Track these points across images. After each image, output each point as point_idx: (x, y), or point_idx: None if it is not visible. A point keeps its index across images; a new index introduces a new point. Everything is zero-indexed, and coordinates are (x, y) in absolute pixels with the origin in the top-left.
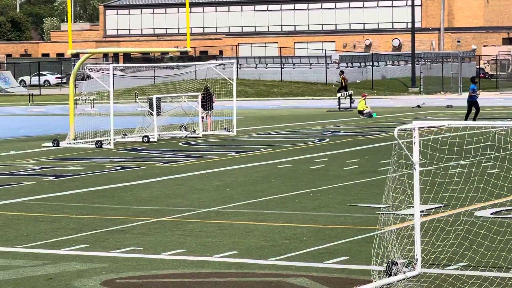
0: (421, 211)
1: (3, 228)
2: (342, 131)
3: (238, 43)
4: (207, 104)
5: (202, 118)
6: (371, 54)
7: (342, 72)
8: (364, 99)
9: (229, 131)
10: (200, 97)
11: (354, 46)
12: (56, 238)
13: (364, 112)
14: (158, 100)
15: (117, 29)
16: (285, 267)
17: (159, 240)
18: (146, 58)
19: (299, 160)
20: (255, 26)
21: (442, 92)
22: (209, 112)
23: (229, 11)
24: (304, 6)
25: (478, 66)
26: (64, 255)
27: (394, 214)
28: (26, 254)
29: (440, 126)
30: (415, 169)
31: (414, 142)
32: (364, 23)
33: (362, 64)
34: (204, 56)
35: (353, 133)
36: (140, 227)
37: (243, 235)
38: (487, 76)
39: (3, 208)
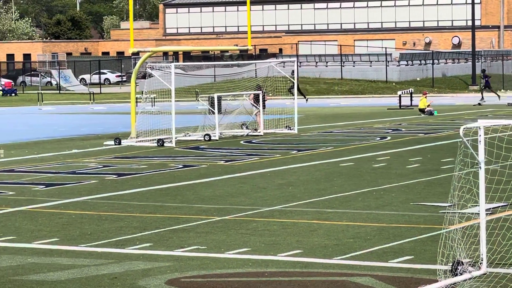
0: (486, 210)
1: (67, 227)
2: (403, 129)
3: (298, 41)
4: (258, 102)
5: (255, 116)
6: (431, 51)
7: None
8: (425, 97)
9: (290, 129)
10: (252, 95)
11: (414, 44)
12: (120, 237)
13: (425, 110)
14: (219, 98)
15: (177, 28)
16: (350, 266)
17: (223, 239)
18: (205, 56)
19: (361, 158)
20: (314, 24)
21: (502, 90)
22: (263, 110)
23: (288, 9)
24: (364, 4)
25: None
26: (128, 254)
27: (459, 213)
28: (90, 253)
29: (505, 125)
30: (480, 168)
31: (480, 141)
32: (423, 21)
33: (422, 62)
34: (263, 54)
35: (415, 131)
36: (203, 225)
37: (307, 234)
38: None
39: (67, 207)
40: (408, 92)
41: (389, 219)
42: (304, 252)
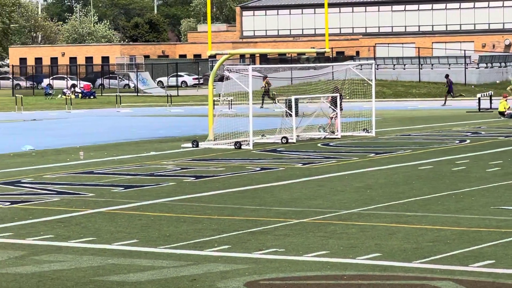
0: None
1: (146, 229)
2: (483, 133)
3: (375, 44)
4: (336, 105)
5: (331, 118)
6: (511, 54)
7: (265, 77)
8: (505, 100)
9: (367, 132)
10: (329, 98)
11: (493, 46)
12: (199, 239)
13: (505, 113)
14: (297, 101)
15: (254, 30)
16: (430, 270)
17: (301, 242)
18: (282, 59)
19: (440, 161)
20: (392, 27)
21: None
22: (336, 112)
23: (365, 11)
24: (442, 6)
25: None
26: (207, 256)
27: None
28: (169, 255)
29: None
30: None
31: None
32: (503, 23)
33: (502, 64)
34: (340, 56)
35: (495, 135)
36: (281, 228)
37: (386, 237)
38: None
39: (145, 209)
40: (487, 95)
41: (469, 222)
42: (383, 256)
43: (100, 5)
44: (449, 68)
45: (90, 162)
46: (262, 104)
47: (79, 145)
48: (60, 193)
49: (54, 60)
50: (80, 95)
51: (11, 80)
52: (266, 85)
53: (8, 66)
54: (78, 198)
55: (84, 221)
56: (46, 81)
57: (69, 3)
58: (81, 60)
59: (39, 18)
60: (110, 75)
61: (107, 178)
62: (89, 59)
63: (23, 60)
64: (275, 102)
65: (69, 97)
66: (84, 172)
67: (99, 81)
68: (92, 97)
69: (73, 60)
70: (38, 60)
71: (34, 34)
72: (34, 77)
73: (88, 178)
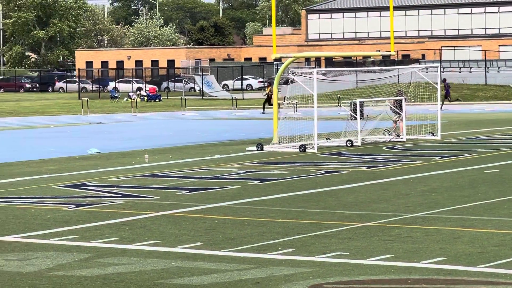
0: None
1: (210, 232)
2: None
3: (441, 47)
4: (400, 108)
5: (395, 122)
6: None
7: (269, 84)
8: None
9: (433, 135)
10: (392, 101)
11: None
12: (262, 242)
13: None
14: (362, 104)
15: (319, 33)
16: (495, 274)
17: (365, 245)
18: (348, 62)
19: (507, 165)
20: (458, 29)
21: None
22: (401, 116)
23: (431, 14)
24: (510, 8)
25: None
26: (271, 259)
27: None
28: (233, 258)
29: None
30: None
31: None
32: None
33: None
34: (406, 59)
35: None
36: (345, 232)
37: (451, 241)
38: None
39: (210, 212)
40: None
41: None
42: (447, 260)
43: (165, 8)
44: None
45: (155, 165)
46: (264, 110)
47: (144, 148)
48: (125, 196)
49: (120, 63)
50: (145, 98)
51: (77, 83)
52: (269, 92)
53: (75, 70)
54: (143, 201)
55: (148, 224)
56: (112, 84)
57: (135, 7)
58: (146, 64)
59: (106, 22)
60: (176, 78)
61: (171, 181)
62: (154, 63)
63: (89, 64)
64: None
65: (135, 100)
66: (149, 175)
67: (164, 84)
68: (157, 100)
69: (139, 63)
70: (104, 64)
71: (101, 38)
72: (100, 80)
73: (153, 181)
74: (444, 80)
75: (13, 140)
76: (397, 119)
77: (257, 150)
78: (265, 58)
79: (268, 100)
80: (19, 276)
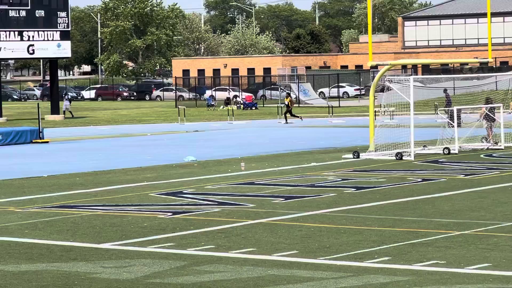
0: None
1: (306, 240)
2: None
3: None
4: (490, 115)
5: (490, 129)
6: None
7: (288, 95)
8: None
9: None
10: (484, 109)
11: None
12: (359, 250)
13: None
14: (459, 111)
15: (416, 40)
16: None
17: (463, 254)
18: (445, 69)
19: None
20: None
21: None
22: (492, 123)
23: None
24: None
25: None
26: (367, 267)
27: None
28: (329, 266)
29: None
30: None
31: None
32: None
33: None
34: (504, 66)
35: None
36: (442, 240)
37: None
38: None
39: (305, 220)
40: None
41: None
42: None
43: (262, 16)
44: None
45: (251, 173)
46: (286, 120)
47: (240, 156)
48: (221, 203)
49: (216, 71)
50: (242, 106)
51: (174, 91)
52: (290, 103)
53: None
54: (239, 209)
55: (244, 232)
56: (208, 93)
57: (231, 15)
58: (243, 72)
59: (202, 30)
60: (272, 86)
61: (267, 188)
62: (251, 70)
63: (186, 72)
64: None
65: (231, 108)
66: (245, 183)
67: (260, 92)
68: (253, 108)
69: (235, 71)
70: (201, 72)
71: (197, 46)
72: (197, 88)
73: (249, 189)
74: (445, 90)
75: (110, 148)
76: (488, 126)
77: (354, 157)
78: (361, 66)
79: (290, 111)
80: (116, 283)
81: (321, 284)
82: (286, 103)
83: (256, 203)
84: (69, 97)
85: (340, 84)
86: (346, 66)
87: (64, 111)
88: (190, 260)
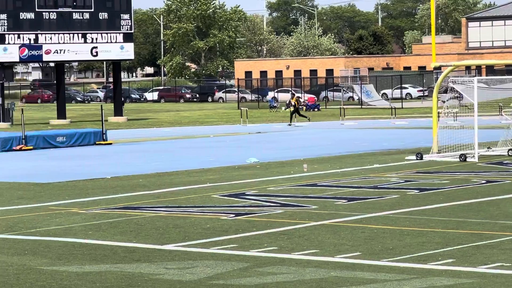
0: None
1: (369, 242)
2: None
3: None
4: None
5: None
6: None
7: (293, 95)
8: None
9: None
10: None
11: None
12: (422, 252)
13: None
14: None
15: (480, 41)
16: None
17: None
18: (509, 70)
19: None
20: None
21: None
22: None
23: None
24: None
25: None
26: (431, 269)
27: None
28: (392, 268)
29: None
30: None
31: None
32: None
33: None
34: None
35: None
36: (508, 242)
37: None
38: None
39: (368, 221)
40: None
41: None
42: None
43: (324, 18)
44: None
45: (313, 174)
46: (291, 121)
47: (303, 157)
48: (284, 205)
49: (278, 73)
50: (304, 107)
51: (236, 93)
52: (296, 103)
53: (234, 79)
54: (302, 211)
55: (307, 233)
56: (270, 94)
57: (294, 17)
58: (305, 73)
59: (265, 32)
60: (334, 87)
61: (330, 190)
62: (313, 72)
63: (248, 74)
64: (308, 119)
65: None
66: (307, 185)
67: (323, 94)
68: (316, 109)
69: (297, 73)
70: (263, 73)
71: (260, 48)
72: (259, 90)
73: (312, 191)
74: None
75: (173, 149)
76: None
77: (416, 159)
78: (424, 67)
79: (297, 111)
80: (179, 285)
81: (384, 286)
82: (293, 103)
83: (318, 205)
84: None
85: (403, 85)
86: (409, 67)
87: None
88: (253, 262)
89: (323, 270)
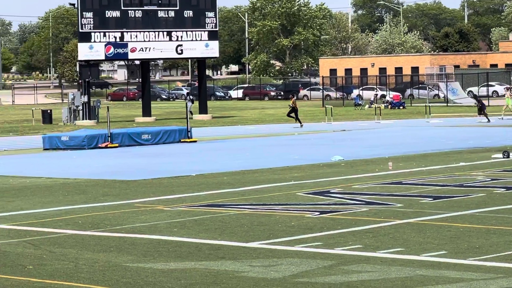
0: None
1: (455, 240)
2: None
3: None
4: None
5: None
6: None
7: (293, 95)
8: None
9: None
10: None
11: None
12: (509, 251)
13: None
14: None
15: None
16: None
17: None
18: None
19: None
20: None
21: None
22: None
23: None
24: None
25: None
26: None
27: None
28: (478, 267)
29: None
30: None
31: None
32: None
33: None
34: None
35: None
36: None
37: None
38: None
39: (454, 220)
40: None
41: None
42: None
43: (409, 15)
44: None
45: (398, 172)
46: (301, 124)
47: (388, 155)
48: (369, 203)
49: (363, 70)
50: (389, 105)
51: (321, 91)
52: (293, 104)
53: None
54: (387, 209)
55: (392, 232)
56: (355, 92)
57: (379, 14)
58: (390, 71)
59: (349, 30)
60: (420, 85)
61: (415, 188)
62: (398, 70)
63: (333, 71)
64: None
65: (378, 108)
66: (392, 183)
67: (408, 92)
68: (401, 107)
69: (382, 70)
70: (348, 71)
71: (344, 45)
72: (344, 87)
73: (397, 189)
74: (475, 96)
75: (258, 147)
76: None
77: (503, 157)
78: (511, 64)
79: (294, 111)
80: (264, 282)
81: (471, 285)
82: (291, 104)
83: (404, 203)
84: (191, 97)
85: (489, 83)
86: (496, 65)
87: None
88: (338, 260)
89: (408, 269)
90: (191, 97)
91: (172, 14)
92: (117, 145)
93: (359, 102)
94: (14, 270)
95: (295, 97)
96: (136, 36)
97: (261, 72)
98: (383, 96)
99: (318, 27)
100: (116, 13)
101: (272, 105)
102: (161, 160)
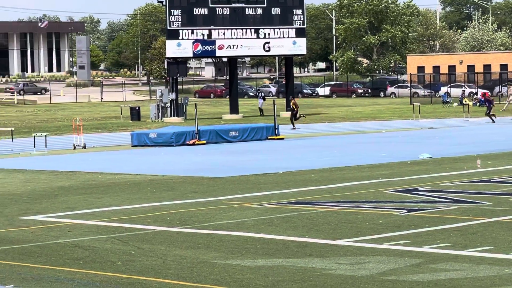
0: None
1: None
2: None
3: None
4: None
5: None
6: None
7: (293, 97)
8: None
9: None
10: None
11: None
12: None
13: None
14: None
15: None
16: None
17: None
18: None
19: None
20: None
21: None
22: None
23: None
24: None
25: None
26: None
27: None
28: None
29: None
30: None
31: None
32: None
33: None
34: None
35: None
36: None
37: None
38: None
39: None
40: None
41: None
42: None
43: (498, 12)
44: None
45: (487, 170)
46: (293, 125)
47: (476, 153)
48: (457, 201)
49: (451, 68)
50: (478, 103)
51: (409, 88)
52: (294, 106)
53: (406, 74)
54: (475, 207)
55: (481, 230)
56: (443, 89)
57: (467, 11)
58: (478, 68)
59: (438, 27)
60: (508, 82)
61: (505, 187)
62: (486, 67)
63: (420, 69)
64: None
65: (467, 105)
66: (481, 181)
67: (497, 89)
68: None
69: (470, 68)
70: (436, 68)
71: (432, 43)
72: (432, 85)
73: (486, 187)
74: (484, 94)
75: (345, 145)
76: None
77: None
78: None
79: (293, 112)
80: (351, 280)
81: None
82: (291, 106)
83: (493, 201)
84: (263, 95)
85: None
86: None
87: (261, 109)
88: (426, 258)
89: (497, 268)
90: (262, 94)
91: (259, 11)
92: (204, 142)
93: (447, 100)
94: (103, 266)
95: (295, 99)
96: (224, 34)
97: (348, 70)
98: (472, 93)
99: (405, 24)
100: (204, 11)
101: (359, 103)
102: (248, 157)
